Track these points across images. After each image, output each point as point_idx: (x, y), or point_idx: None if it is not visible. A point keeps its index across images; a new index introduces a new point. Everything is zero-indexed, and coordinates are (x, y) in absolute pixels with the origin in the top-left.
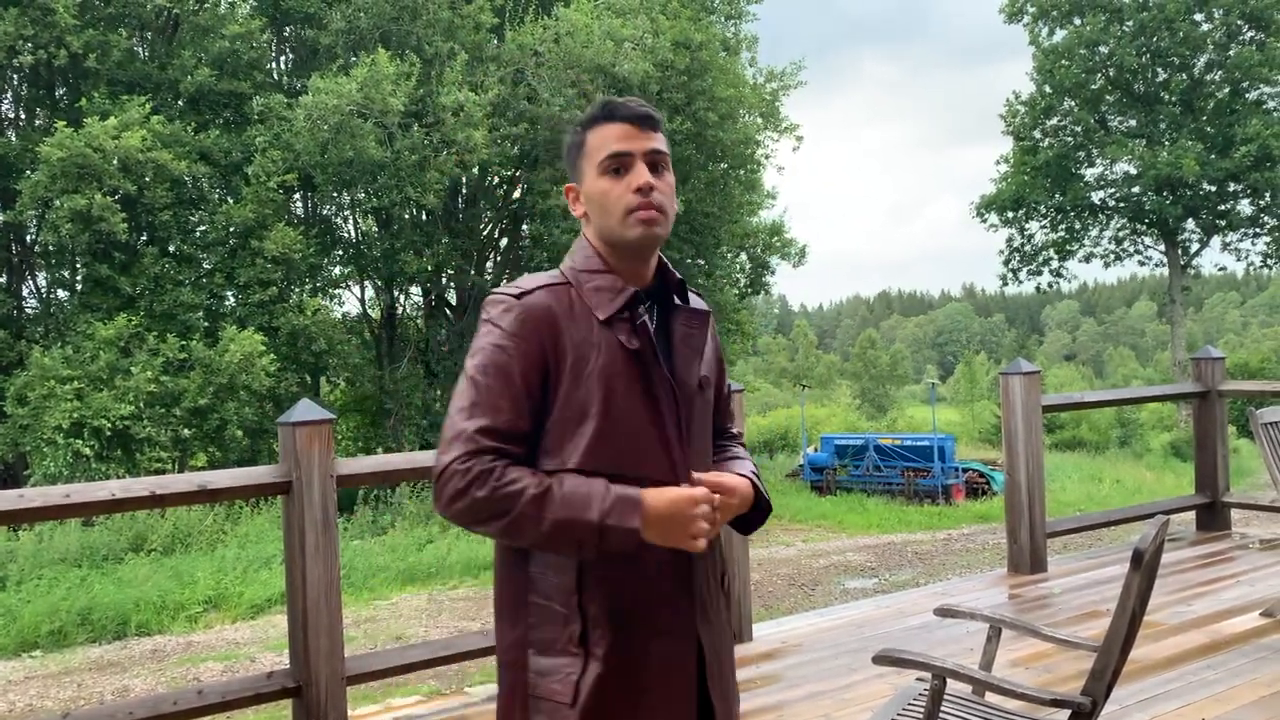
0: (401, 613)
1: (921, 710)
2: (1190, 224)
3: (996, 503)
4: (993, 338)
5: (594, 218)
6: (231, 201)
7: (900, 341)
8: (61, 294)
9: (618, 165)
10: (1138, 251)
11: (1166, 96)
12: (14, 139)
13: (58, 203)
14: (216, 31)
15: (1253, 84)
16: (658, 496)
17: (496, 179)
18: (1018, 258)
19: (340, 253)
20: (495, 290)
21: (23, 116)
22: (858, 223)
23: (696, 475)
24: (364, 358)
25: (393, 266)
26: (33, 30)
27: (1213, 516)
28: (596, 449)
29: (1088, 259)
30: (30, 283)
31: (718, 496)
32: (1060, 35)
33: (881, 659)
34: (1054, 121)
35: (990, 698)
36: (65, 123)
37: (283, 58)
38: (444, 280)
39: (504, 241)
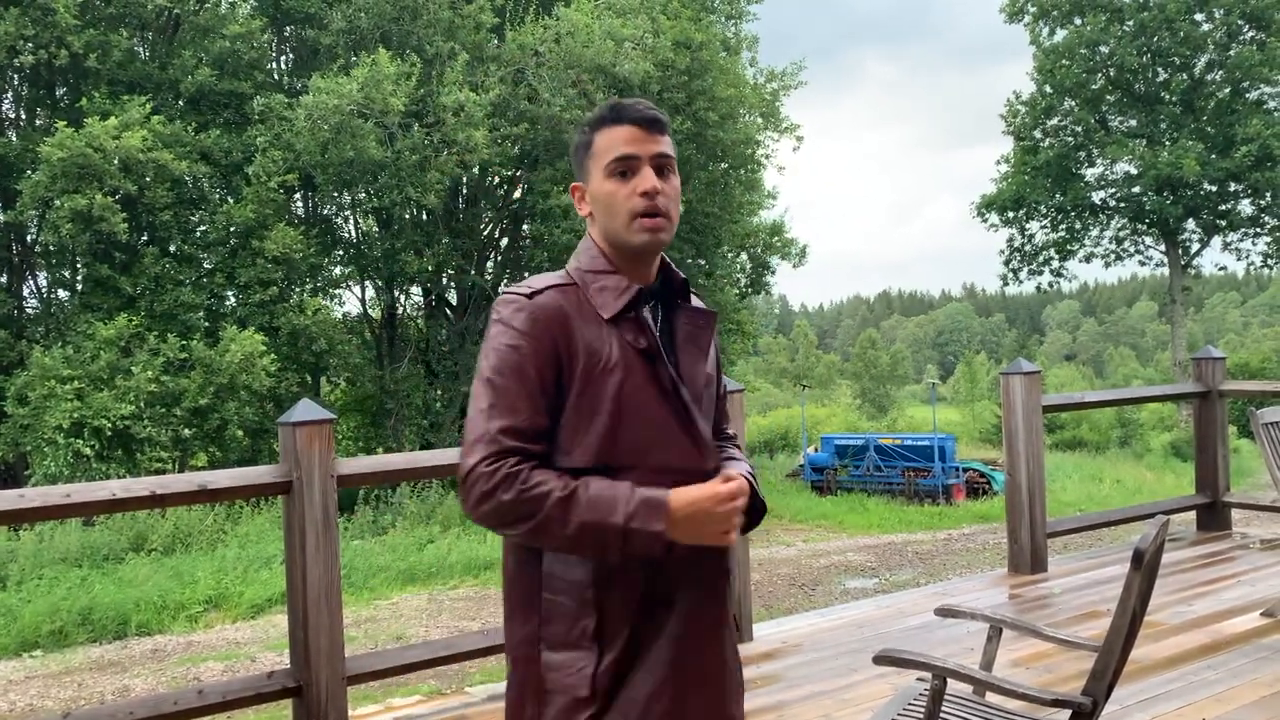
0: (402, 613)
1: (922, 710)
2: (1191, 224)
3: (997, 503)
4: (993, 338)
5: (599, 219)
6: (232, 201)
7: (901, 341)
8: (62, 294)
9: (624, 168)
10: (1138, 251)
11: (1167, 96)
12: (15, 139)
13: (58, 203)
14: (217, 31)
15: (1253, 84)
16: (683, 496)
17: (497, 179)
18: (1018, 257)
19: (341, 253)
20: (505, 290)
21: (23, 116)
22: (858, 223)
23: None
24: (364, 358)
25: (393, 266)
26: (33, 30)
27: (1213, 516)
28: (610, 444)
29: (1088, 259)
30: (31, 283)
31: (744, 491)
32: (1061, 35)
33: (882, 659)
34: (1054, 121)
35: (991, 698)
36: (66, 123)
37: (283, 58)
38: (444, 280)
39: (504, 241)
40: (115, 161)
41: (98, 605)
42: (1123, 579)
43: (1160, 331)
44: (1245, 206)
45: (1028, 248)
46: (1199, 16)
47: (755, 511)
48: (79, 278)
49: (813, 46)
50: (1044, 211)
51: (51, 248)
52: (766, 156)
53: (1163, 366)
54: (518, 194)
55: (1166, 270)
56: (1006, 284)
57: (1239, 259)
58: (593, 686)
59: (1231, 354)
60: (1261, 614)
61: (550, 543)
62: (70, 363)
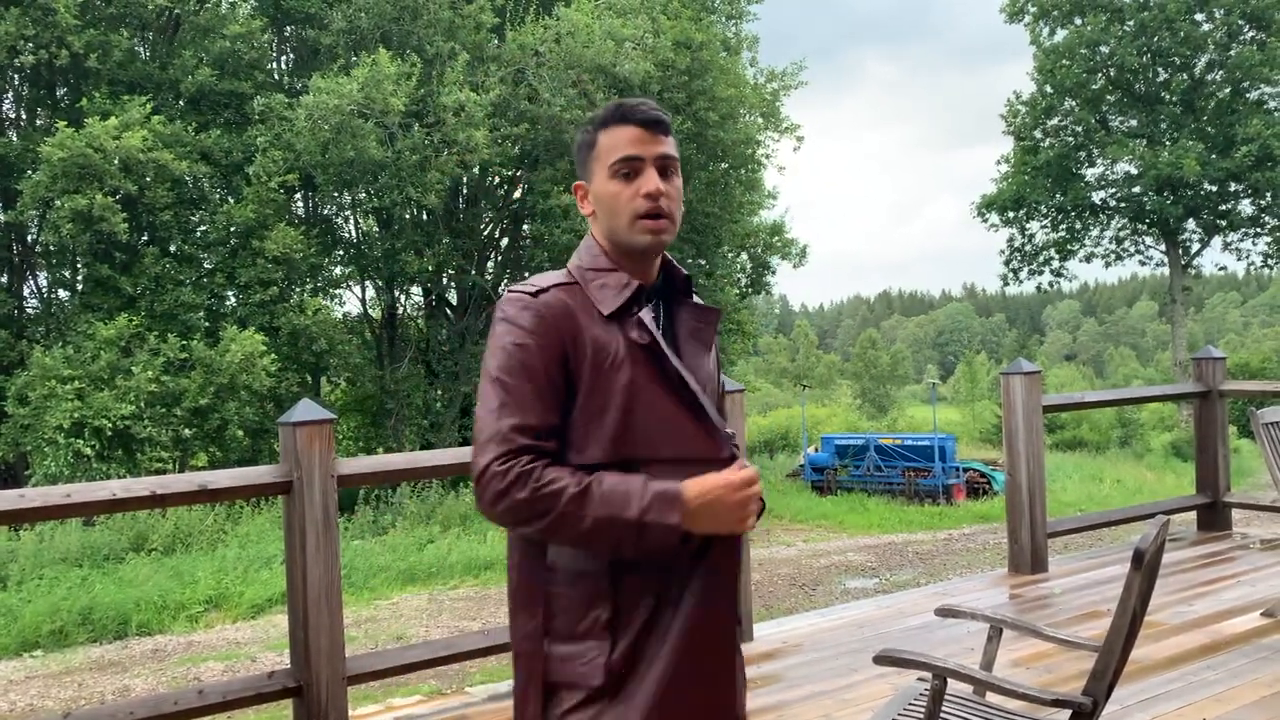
0: (402, 613)
1: (922, 710)
2: (1191, 224)
3: (997, 503)
4: (993, 337)
5: (602, 218)
6: (232, 201)
7: (901, 341)
8: (62, 294)
9: (628, 169)
10: (1139, 251)
11: (1167, 96)
12: (15, 139)
13: (59, 203)
14: (217, 31)
15: (1253, 84)
16: (697, 486)
17: (497, 179)
18: (1018, 257)
19: (341, 253)
20: (510, 289)
21: (24, 117)
22: (858, 223)
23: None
24: (365, 358)
25: (393, 266)
26: (34, 30)
27: (1213, 516)
28: (623, 439)
29: (1088, 259)
30: (31, 283)
31: (758, 477)
32: (1061, 35)
33: (882, 659)
34: (1055, 121)
35: (991, 698)
36: (66, 123)
37: (283, 58)
38: (445, 280)
39: (505, 241)
40: (116, 161)
41: (98, 605)
42: (1123, 579)
43: (1160, 331)
44: (1245, 206)
45: (1028, 248)
46: (1199, 16)
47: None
48: (79, 278)
49: (813, 46)
50: (1044, 211)
51: (52, 248)
52: (767, 156)
53: (1163, 366)
54: (518, 194)
55: (1167, 270)
56: (1007, 284)
57: (1239, 259)
58: (606, 675)
59: (1232, 354)
60: (1262, 614)
61: (565, 539)
62: (71, 363)
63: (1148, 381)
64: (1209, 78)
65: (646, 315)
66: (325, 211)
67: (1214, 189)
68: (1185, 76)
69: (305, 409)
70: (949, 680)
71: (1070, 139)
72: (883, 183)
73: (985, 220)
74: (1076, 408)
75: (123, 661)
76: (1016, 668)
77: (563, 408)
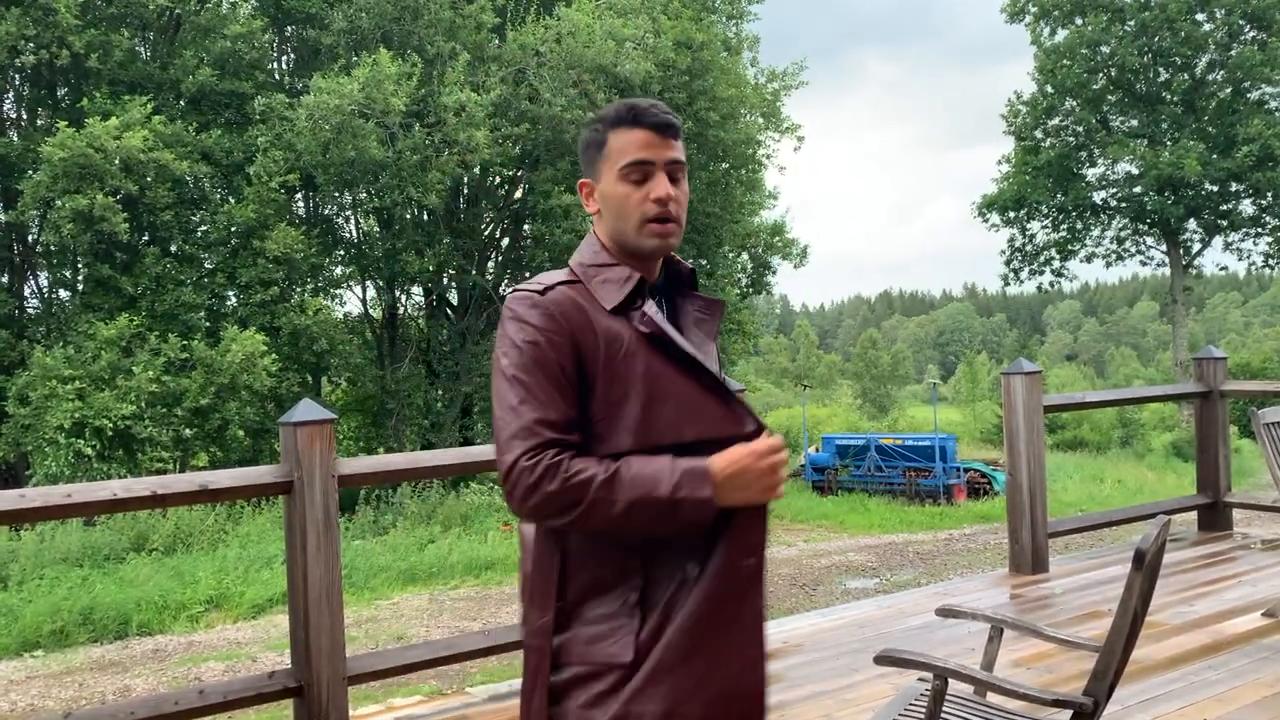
0: (403, 613)
1: (923, 710)
2: (1192, 224)
3: (998, 503)
4: (994, 337)
5: (608, 219)
6: (233, 201)
7: (902, 341)
8: (63, 294)
9: (639, 173)
10: (1139, 251)
11: (1168, 96)
12: (16, 139)
13: (59, 203)
14: (218, 31)
15: (1254, 84)
16: (723, 460)
17: (498, 179)
18: (1019, 257)
19: (342, 253)
20: (517, 288)
21: (25, 117)
22: (859, 223)
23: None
24: (365, 358)
25: (394, 266)
26: (35, 30)
27: (1214, 517)
28: (647, 425)
29: (1089, 259)
30: (32, 282)
31: (783, 444)
32: (1062, 35)
33: (883, 659)
34: (1056, 121)
35: (992, 698)
36: (67, 123)
37: (284, 58)
38: (445, 280)
39: (505, 241)
40: (116, 161)
41: (99, 605)
42: (1124, 579)
43: (1161, 331)
44: (1246, 206)
45: (1029, 248)
46: (1200, 16)
47: None
48: (80, 278)
49: (814, 46)
50: (1045, 211)
51: (53, 248)
52: (767, 156)
53: (1164, 366)
54: (519, 194)
55: (1168, 270)
56: (1007, 284)
57: (1240, 259)
58: (636, 652)
59: (1233, 354)
60: (1263, 614)
61: (599, 526)
62: (71, 363)
63: (1149, 381)
64: (1210, 78)
65: (650, 306)
66: (326, 211)
67: (1215, 189)
68: (1186, 76)
69: (306, 409)
70: (950, 680)
71: (1071, 139)
72: (883, 183)
73: (986, 220)
74: (1077, 408)
75: (123, 661)
76: (1017, 668)
77: (579, 401)
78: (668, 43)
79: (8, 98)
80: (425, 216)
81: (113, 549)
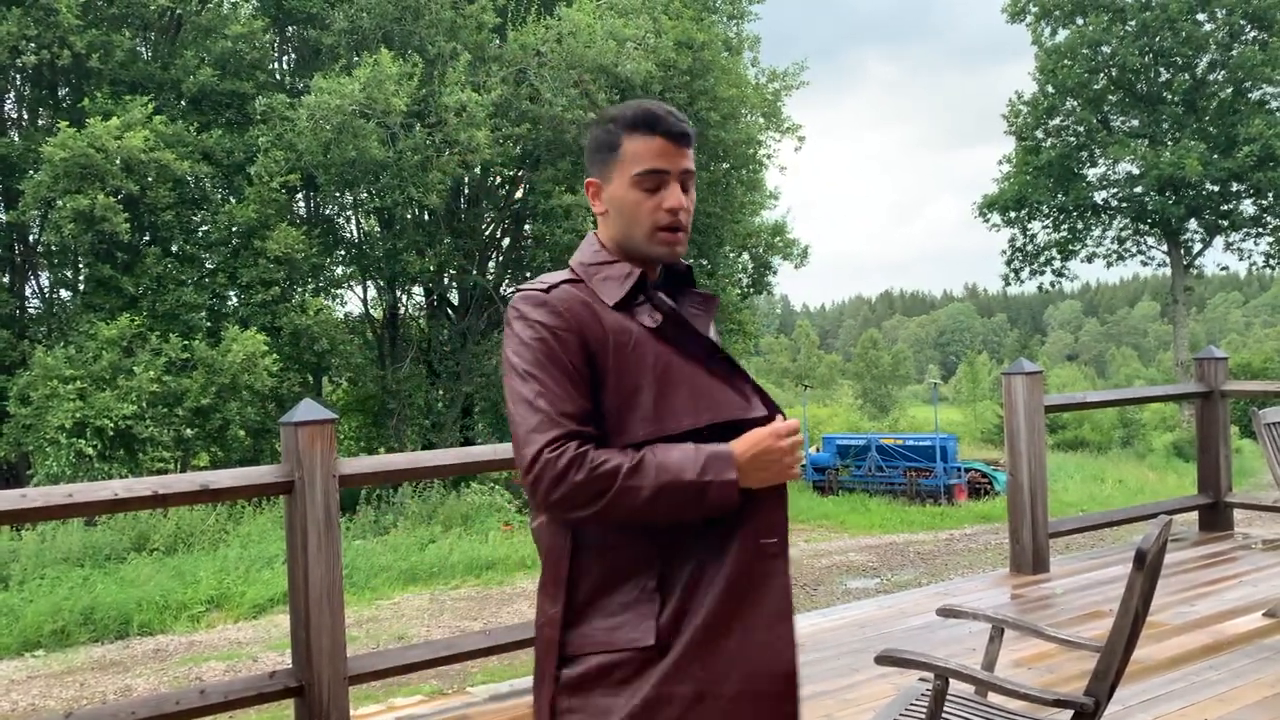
0: (403, 612)
1: (924, 710)
2: (1193, 224)
3: (999, 503)
4: (995, 338)
5: (616, 222)
6: (234, 201)
7: (902, 341)
8: (64, 294)
9: (653, 183)
10: (1140, 251)
11: (1169, 96)
12: (17, 139)
13: (60, 203)
14: (219, 31)
15: (1255, 84)
16: (744, 443)
17: (499, 179)
18: (1020, 257)
19: (343, 253)
20: (521, 289)
21: (26, 117)
22: (859, 223)
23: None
24: (366, 358)
25: (395, 266)
26: (36, 30)
27: (1215, 517)
28: (662, 415)
29: (1090, 259)
30: (33, 283)
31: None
32: (1063, 35)
33: (884, 659)
34: (1056, 121)
35: (993, 698)
36: (68, 123)
37: (285, 58)
38: (446, 280)
39: (506, 241)
40: (117, 161)
41: (100, 605)
42: (1125, 579)
43: (1162, 331)
44: (1247, 206)
45: (1029, 248)
46: (1201, 16)
47: None
48: (81, 278)
49: (814, 47)
50: (1046, 211)
51: (54, 248)
52: (768, 156)
53: (1165, 367)
54: (519, 194)
55: (1168, 270)
56: (1008, 284)
57: (1241, 259)
58: (657, 634)
59: (1234, 354)
60: (1264, 614)
61: (625, 514)
62: (72, 363)
63: (1149, 382)
64: (1211, 78)
65: (657, 297)
66: (327, 211)
67: (1216, 189)
68: (1187, 76)
69: (307, 409)
70: (951, 680)
71: (1072, 139)
72: (883, 183)
73: (987, 220)
74: (1078, 408)
75: (124, 661)
76: (1018, 668)
77: (594, 395)
78: (669, 43)
79: (9, 98)
80: (426, 216)
81: (114, 549)
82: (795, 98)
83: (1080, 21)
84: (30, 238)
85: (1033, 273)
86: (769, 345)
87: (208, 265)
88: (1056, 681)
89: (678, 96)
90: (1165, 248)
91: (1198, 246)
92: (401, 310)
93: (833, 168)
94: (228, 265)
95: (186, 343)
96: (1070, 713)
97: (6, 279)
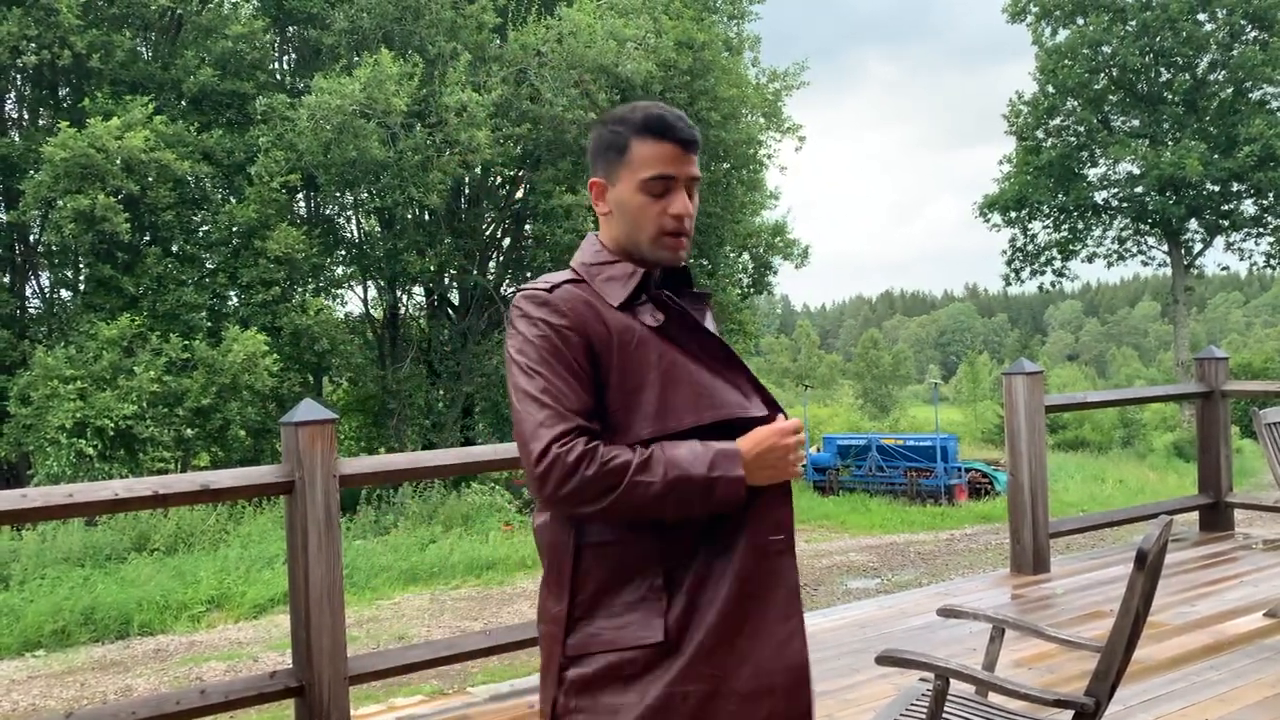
0: (404, 612)
1: (925, 711)
2: (1193, 224)
3: (999, 503)
4: (995, 338)
5: (620, 224)
6: (234, 201)
7: (903, 341)
8: (65, 294)
9: (661, 188)
10: (1141, 251)
11: (1170, 96)
12: (17, 139)
13: (61, 203)
14: (219, 32)
15: (1256, 84)
16: (750, 440)
17: (499, 179)
18: (1020, 257)
19: (343, 253)
20: (523, 289)
21: (26, 117)
22: (860, 223)
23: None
24: (366, 358)
25: (395, 266)
26: (36, 30)
27: (1216, 517)
28: (666, 413)
29: (1091, 259)
30: (33, 283)
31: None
32: (1063, 35)
33: (884, 659)
34: (1057, 121)
35: (993, 698)
36: (68, 123)
37: (286, 58)
38: (447, 280)
39: (507, 241)
40: (118, 161)
41: (100, 605)
42: (1125, 579)
43: (1163, 331)
44: (1248, 206)
45: (1030, 248)
46: (1202, 16)
47: None
48: (81, 278)
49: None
50: (1046, 211)
51: (54, 248)
52: (769, 156)
53: (1165, 367)
54: (520, 194)
55: (1169, 270)
56: (1009, 284)
57: (1242, 259)
58: (665, 631)
59: (1234, 354)
60: (1264, 614)
61: (634, 511)
62: (73, 363)
63: (1150, 382)
64: (1211, 78)
65: (663, 296)
66: (327, 211)
67: (1216, 189)
68: (1188, 76)
69: (307, 409)
70: (951, 680)
71: (1072, 139)
72: (884, 183)
73: (987, 220)
74: (1079, 408)
75: (125, 661)
76: (1019, 668)
77: (598, 392)
78: (669, 43)
79: (9, 98)
80: (426, 216)
81: (114, 549)
82: (795, 98)
83: (1081, 21)
84: (31, 238)
85: (1033, 273)
86: (769, 345)
87: (208, 265)
88: (1057, 682)
89: (678, 96)
90: (1166, 248)
91: (1198, 246)
92: (402, 310)
93: (833, 168)
94: (228, 265)
95: (187, 343)
96: (1071, 713)
97: (7, 279)
